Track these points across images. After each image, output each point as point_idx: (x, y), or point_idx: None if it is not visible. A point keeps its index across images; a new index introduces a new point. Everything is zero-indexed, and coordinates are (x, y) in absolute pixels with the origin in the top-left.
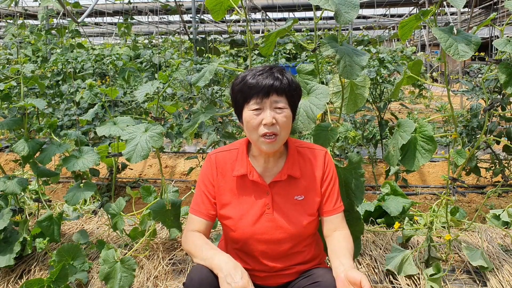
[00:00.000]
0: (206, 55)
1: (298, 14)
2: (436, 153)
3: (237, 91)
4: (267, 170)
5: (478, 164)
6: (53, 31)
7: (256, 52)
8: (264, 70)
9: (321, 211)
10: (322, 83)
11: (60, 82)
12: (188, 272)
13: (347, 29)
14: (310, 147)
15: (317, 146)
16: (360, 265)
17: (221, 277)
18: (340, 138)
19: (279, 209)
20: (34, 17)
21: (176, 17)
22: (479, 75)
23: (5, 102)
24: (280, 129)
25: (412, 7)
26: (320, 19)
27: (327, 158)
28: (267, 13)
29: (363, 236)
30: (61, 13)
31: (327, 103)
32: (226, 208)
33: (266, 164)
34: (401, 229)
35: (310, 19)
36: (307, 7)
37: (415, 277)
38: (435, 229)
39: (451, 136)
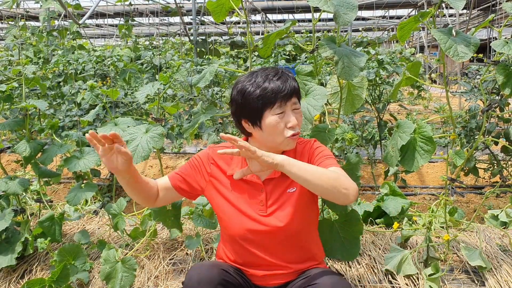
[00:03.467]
0: (207, 56)
1: (297, 16)
2: (435, 153)
3: (256, 98)
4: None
5: (476, 165)
6: (54, 33)
7: (256, 53)
8: (277, 73)
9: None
10: (322, 84)
11: (61, 83)
12: (187, 271)
13: (346, 31)
14: (301, 142)
15: (306, 139)
16: (359, 265)
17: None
18: (338, 139)
19: (274, 204)
20: (36, 18)
21: (176, 19)
22: (478, 76)
23: (7, 103)
24: (299, 128)
25: (411, 9)
26: (319, 20)
27: (313, 143)
28: (267, 15)
29: (362, 236)
30: (62, 15)
31: (326, 104)
32: (222, 205)
33: None
34: (400, 229)
35: (310, 21)
36: (306, 9)
37: (414, 277)
38: (434, 229)
39: (449, 137)
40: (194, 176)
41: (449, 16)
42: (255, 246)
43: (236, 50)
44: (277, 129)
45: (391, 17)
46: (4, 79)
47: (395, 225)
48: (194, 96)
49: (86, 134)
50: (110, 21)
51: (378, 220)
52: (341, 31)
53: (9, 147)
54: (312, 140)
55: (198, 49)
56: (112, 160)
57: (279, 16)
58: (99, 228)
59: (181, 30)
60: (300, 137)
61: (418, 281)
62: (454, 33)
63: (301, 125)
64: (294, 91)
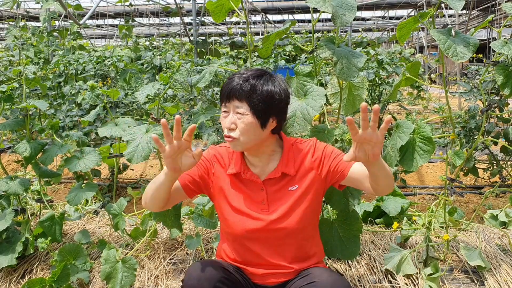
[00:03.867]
0: (207, 56)
1: (297, 16)
2: (435, 154)
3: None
4: (262, 168)
5: (476, 165)
6: (55, 33)
7: (256, 54)
8: (243, 74)
9: (342, 173)
10: (321, 84)
11: (62, 84)
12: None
13: (346, 31)
14: (302, 141)
15: (307, 139)
16: (359, 264)
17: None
18: (338, 139)
19: (274, 204)
20: (36, 19)
21: (177, 19)
22: (477, 77)
23: (8, 104)
24: (240, 134)
25: (411, 9)
26: (318, 21)
27: (317, 144)
28: (267, 15)
29: (362, 236)
30: (63, 15)
31: (326, 104)
32: (223, 204)
33: (260, 162)
34: (400, 229)
35: (309, 21)
36: (306, 9)
37: (413, 276)
38: (433, 229)
39: (449, 137)
40: (202, 175)
41: (448, 17)
42: (255, 244)
43: (236, 51)
44: (222, 126)
45: (391, 18)
46: (5, 79)
47: (395, 225)
48: (194, 97)
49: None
50: (110, 21)
51: (377, 220)
52: (341, 32)
53: (9, 147)
54: (314, 139)
55: (198, 50)
56: (177, 161)
57: (279, 17)
58: (99, 228)
59: (181, 31)
60: (298, 138)
61: (418, 280)
62: (453, 33)
63: (247, 134)
64: (231, 93)
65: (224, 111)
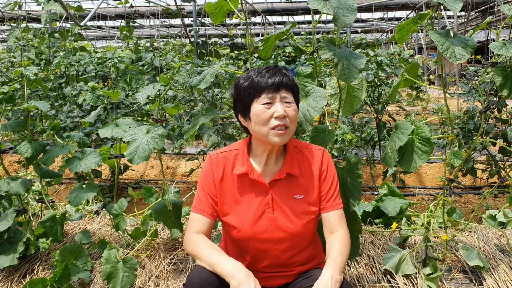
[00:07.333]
0: (207, 58)
1: (297, 18)
2: (433, 154)
3: (245, 88)
4: (267, 169)
5: (474, 165)
6: (56, 34)
7: (256, 55)
8: (270, 69)
9: (320, 207)
10: (321, 85)
11: (63, 85)
12: (188, 272)
13: (345, 32)
14: (308, 147)
15: (315, 146)
16: (358, 264)
17: (233, 285)
18: (338, 140)
19: (279, 208)
20: (38, 20)
21: (177, 21)
22: (476, 78)
23: (9, 104)
24: (290, 122)
25: (410, 11)
26: (319, 22)
27: (325, 156)
28: (267, 16)
29: (361, 236)
30: (64, 17)
31: (326, 105)
32: (227, 208)
33: (266, 163)
34: (399, 229)
35: (309, 22)
36: (306, 11)
37: (412, 276)
38: (432, 229)
39: (448, 137)
40: (214, 194)
41: (447, 18)
42: (258, 247)
43: (236, 52)
44: (262, 118)
45: (390, 19)
46: (6, 80)
47: (394, 225)
48: (195, 97)
49: None
50: (111, 23)
51: (377, 220)
52: (340, 33)
53: (11, 148)
54: (322, 149)
55: (198, 51)
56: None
57: (278, 18)
58: (100, 228)
59: (182, 32)
60: (303, 141)
61: (417, 280)
62: (451, 34)
63: (294, 122)
64: (281, 84)
65: (267, 103)
